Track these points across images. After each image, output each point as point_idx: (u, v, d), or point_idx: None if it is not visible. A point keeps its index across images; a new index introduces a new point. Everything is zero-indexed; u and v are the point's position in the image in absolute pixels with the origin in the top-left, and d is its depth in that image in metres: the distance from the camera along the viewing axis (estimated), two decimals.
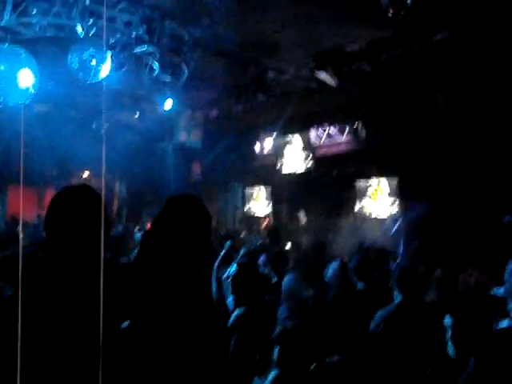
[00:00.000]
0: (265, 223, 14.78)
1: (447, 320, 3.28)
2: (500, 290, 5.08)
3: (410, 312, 4.80)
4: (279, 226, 13.20)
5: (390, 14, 5.88)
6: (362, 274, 5.62)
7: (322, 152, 12.39)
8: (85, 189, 2.33)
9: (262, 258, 7.09)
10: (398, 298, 5.04)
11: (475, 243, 8.07)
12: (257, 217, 15.38)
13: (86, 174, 16.62)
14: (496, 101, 8.41)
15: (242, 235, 13.21)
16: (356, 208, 11.48)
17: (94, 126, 14.35)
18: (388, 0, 5.50)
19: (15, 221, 12.52)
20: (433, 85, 8.82)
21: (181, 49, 8.48)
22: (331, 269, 5.98)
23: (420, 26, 7.66)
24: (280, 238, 10.35)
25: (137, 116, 14.05)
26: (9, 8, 6.75)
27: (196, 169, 16.51)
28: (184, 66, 8.68)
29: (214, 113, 13.16)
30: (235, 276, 4.89)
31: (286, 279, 6.22)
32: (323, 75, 9.58)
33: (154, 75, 8.97)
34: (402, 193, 10.50)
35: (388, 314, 4.82)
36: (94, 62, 7.56)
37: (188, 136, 14.77)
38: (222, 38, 8.67)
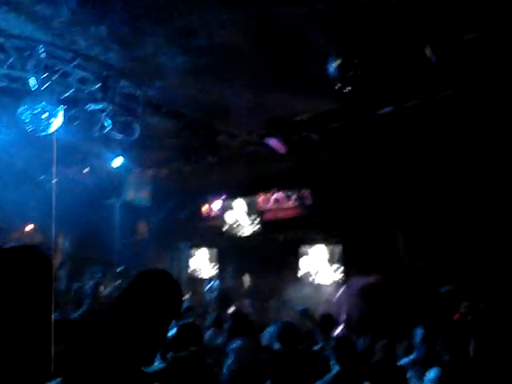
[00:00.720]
0: (208, 285, 14.67)
1: None
2: (407, 359, 5.21)
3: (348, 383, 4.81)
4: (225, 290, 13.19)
5: (337, 88, 6.12)
6: (284, 339, 5.58)
7: (268, 216, 12.53)
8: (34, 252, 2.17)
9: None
10: (335, 368, 5.06)
11: (414, 313, 8.23)
12: (202, 278, 15.25)
13: (29, 227, 16.24)
14: (437, 174, 8.78)
15: (186, 297, 13.07)
16: (300, 273, 11.54)
17: (41, 178, 14.15)
18: (336, 74, 5.74)
19: None
20: (377, 156, 9.15)
21: (133, 108, 8.55)
22: (267, 333, 5.96)
23: (365, 101, 7.99)
24: (227, 302, 10.31)
25: (86, 171, 13.92)
26: None
27: (143, 227, 16.39)
28: (135, 125, 8.73)
29: (164, 172, 13.18)
30: (175, 336, 4.84)
31: (234, 344, 6.17)
32: (272, 142, 9.78)
33: (106, 132, 8.98)
34: (345, 261, 10.65)
35: None
36: (45, 116, 7.56)
37: (136, 194, 14.70)
38: (175, 100, 8.82)
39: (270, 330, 6.07)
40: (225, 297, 10.60)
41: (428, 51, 6.23)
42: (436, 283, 8.83)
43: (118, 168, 11.42)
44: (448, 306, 8.37)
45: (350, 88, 5.98)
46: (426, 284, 8.92)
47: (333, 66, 5.73)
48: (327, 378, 4.92)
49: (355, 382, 4.73)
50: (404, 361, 5.27)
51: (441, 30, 6.02)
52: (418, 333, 5.42)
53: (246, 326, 6.54)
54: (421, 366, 5.03)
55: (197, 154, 11.30)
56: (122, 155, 10.84)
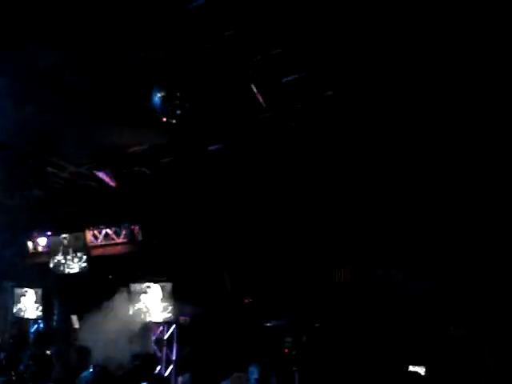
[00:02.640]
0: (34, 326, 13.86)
1: None
2: None
3: None
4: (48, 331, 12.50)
5: (163, 121, 6.05)
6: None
7: (97, 253, 12.08)
8: None
9: None
10: None
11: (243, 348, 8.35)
12: (28, 319, 14.28)
13: None
14: (265, 215, 9.02)
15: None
16: (131, 311, 11.16)
17: None
18: (160, 107, 5.66)
19: None
20: (205, 194, 9.20)
21: None
22: (83, 378, 5.72)
23: (195, 136, 8.00)
24: (45, 343, 9.74)
25: None
26: None
27: None
28: None
29: None
30: None
31: None
32: (102, 175, 9.46)
33: None
34: (175, 299, 10.49)
35: None
36: None
37: None
38: None
39: (85, 375, 5.78)
40: (42, 339, 10.01)
41: (254, 89, 6.35)
42: (262, 319, 8.99)
43: None
44: (274, 340, 8.56)
45: (175, 121, 5.92)
46: (253, 320, 9.05)
47: (157, 98, 5.65)
48: None
49: None
50: None
51: (266, 69, 6.17)
52: (254, 370, 5.47)
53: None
54: None
55: (22, 186, 10.66)
56: None
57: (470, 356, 7.95)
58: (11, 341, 12.61)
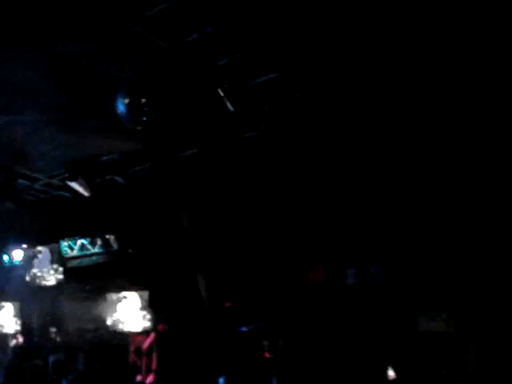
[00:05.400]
0: (13, 341, 13.63)
1: None
2: None
3: None
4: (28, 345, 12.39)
5: (130, 127, 6.01)
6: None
7: (73, 264, 11.98)
8: None
9: None
10: None
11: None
12: (5, 334, 14.10)
13: None
14: (236, 217, 9.02)
15: None
16: (109, 321, 11.07)
17: None
18: (125, 113, 5.62)
19: None
20: (178, 200, 9.18)
21: None
22: None
23: (167, 142, 7.97)
24: (27, 356, 9.65)
25: None
26: None
27: None
28: None
29: None
30: None
31: None
32: (75, 185, 9.38)
33: None
34: (152, 307, 10.44)
35: None
36: None
37: None
38: None
39: None
40: (22, 353, 9.92)
41: (221, 93, 6.33)
42: (238, 323, 8.97)
43: None
44: (251, 345, 8.53)
45: (141, 128, 5.88)
46: (229, 324, 9.04)
47: (121, 105, 5.61)
48: None
49: None
50: None
51: (232, 73, 6.16)
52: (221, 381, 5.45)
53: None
54: None
55: None
56: None
57: (452, 355, 7.91)
58: None
